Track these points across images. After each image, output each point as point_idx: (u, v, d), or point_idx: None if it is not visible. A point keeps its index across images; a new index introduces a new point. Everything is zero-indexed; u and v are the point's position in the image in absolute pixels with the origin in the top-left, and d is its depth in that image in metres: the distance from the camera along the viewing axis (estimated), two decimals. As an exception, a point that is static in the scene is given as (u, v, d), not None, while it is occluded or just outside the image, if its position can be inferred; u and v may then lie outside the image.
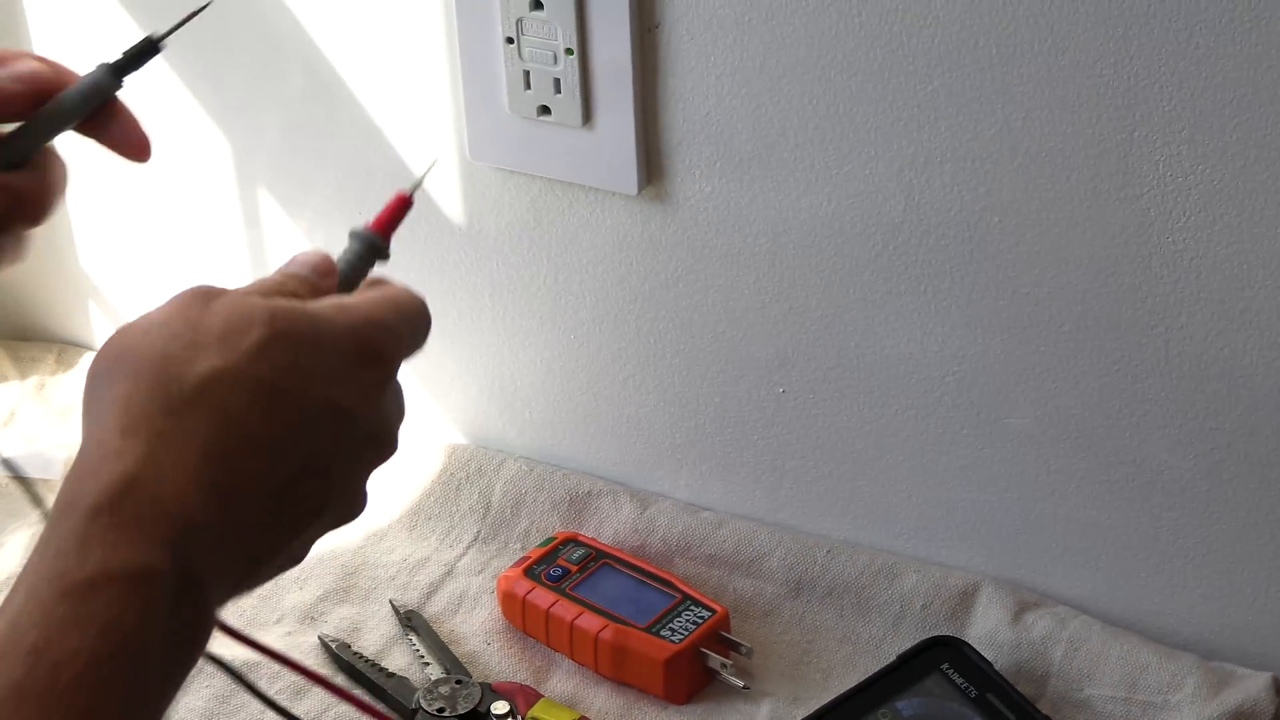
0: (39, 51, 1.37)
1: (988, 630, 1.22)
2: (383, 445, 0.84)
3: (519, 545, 1.33)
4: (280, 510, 0.79)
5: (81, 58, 0.98)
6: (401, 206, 0.87)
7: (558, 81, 1.17)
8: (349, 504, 0.83)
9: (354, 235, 0.86)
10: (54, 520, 0.73)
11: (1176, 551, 1.20)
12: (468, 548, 1.33)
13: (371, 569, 1.32)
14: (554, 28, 1.15)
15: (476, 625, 1.27)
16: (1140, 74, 1.04)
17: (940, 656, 1.19)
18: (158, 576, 0.72)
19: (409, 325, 0.84)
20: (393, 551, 1.32)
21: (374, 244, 0.87)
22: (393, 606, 1.29)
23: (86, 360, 1.50)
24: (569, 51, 1.15)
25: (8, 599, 0.71)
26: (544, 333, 1.31)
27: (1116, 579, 1.23)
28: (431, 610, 1.28)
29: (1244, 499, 1.16)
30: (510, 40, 1.17)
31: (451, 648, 1.24)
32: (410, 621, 1.27)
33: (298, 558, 0.83)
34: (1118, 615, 1.23)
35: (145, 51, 0.92)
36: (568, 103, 1.17)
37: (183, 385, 0.76)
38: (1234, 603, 1.20)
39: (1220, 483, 1.16)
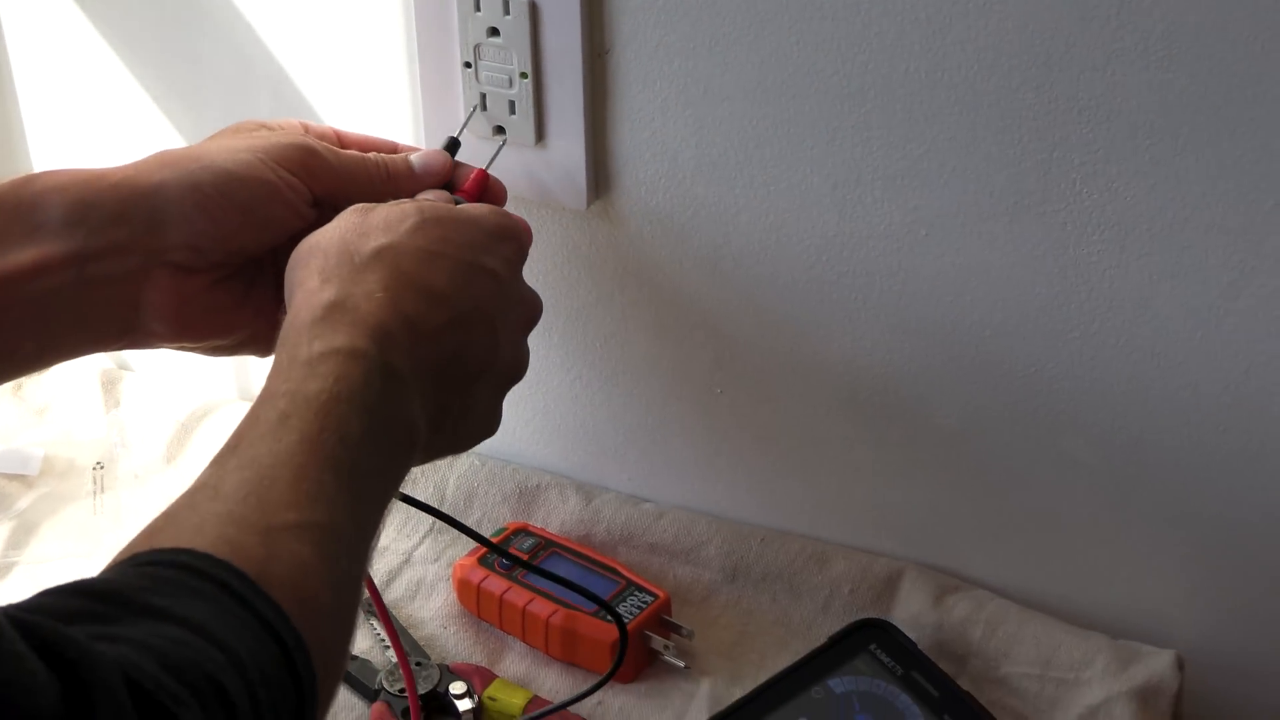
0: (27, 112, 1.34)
1: (912, 613, 1.20)
2: (532, 306, 0.98)
3: (473, 535, 1.29)
4: (457, 351, 0.90)
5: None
6: (480, 180, 1.05)
7: (513, 103, 1.13)
8: (515, 359, 0.96)
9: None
10: (283, 342, 0.85)
11: (1087, 539, 1.18)
12: (424, 537, 1.30)
13: (334, 557, 1.26)
14: (509, 53, 1.11)
15: (434, 610, 1.24)
16: (1059, 99, 1.02)
17: (868, 637, 1.17)
18: (366, 355, 0.83)
19: (523, 225, 0.99)
20: (354, 541, 1.27)
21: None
22: (355, 593, 1.24)
23: (61, 365, 1.44)
24: (524, 75, 1.12)
25: (260, 398, 0.81)
26: (497, 337, 1.27)
27: (1031, 564, 1.21)
28: (391, 596, 1.25)
29: (1149, 491, 1.14)
30: (468, 65, 1.13)
31: (411, 631, 1.21)
32: (371, 607, 1.22)
33: (487, 418, 0.96)
34: (1032, 598, 1.22)
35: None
36: (522, 123, 1.13)
37: (361, 253, 0.89)
38: (1140, 586, 1.19)
39: (1128, 476, 1.14)
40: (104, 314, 0.95)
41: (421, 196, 0.99)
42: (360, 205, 0.94)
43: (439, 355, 0.88)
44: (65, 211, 0.92)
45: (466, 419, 0.93)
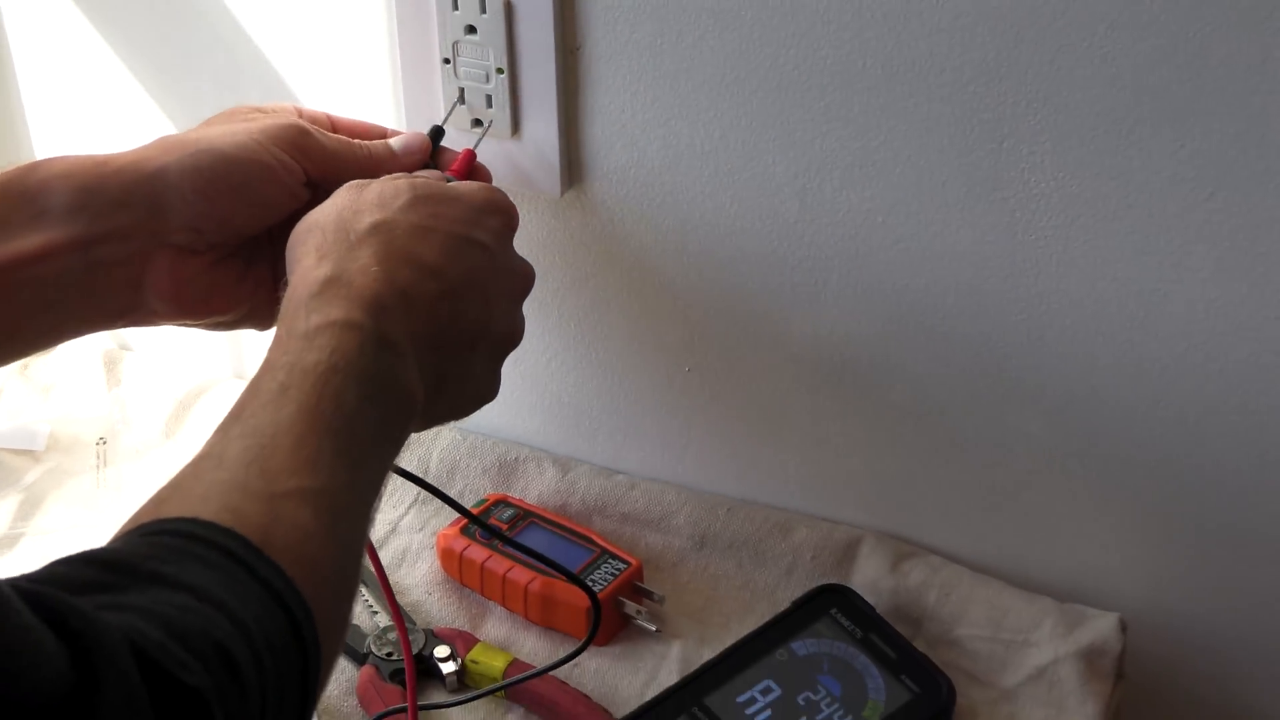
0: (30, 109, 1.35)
1: (870, 578, 1.21)
2: (524, 276, 1.00)
3: (455, 506, 1.30)
4: (452, 319, 0.91)
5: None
6: (469, 159, 1.07)
7: (489, 97, 1.14)
8: (509, 326, 0.97)
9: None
10: (282, 317, 0.85)
11: (1036, 507, 1.19)
12: (409, 508, 1.31)
13: (324, 527, 1.27)
14: (486, 50, 1.12)
15: (419, 578, 1.25)
16: (1009, 92, 1.03)
17: (829, 602, 1.18)
18: (361, 327, 0.84)
19: (511, 203, 0.99)
20: (342, 512, 1.28)
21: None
22: (344, 561, 1.25)
23: (67, 344, 1.45)
24: (500, 71, 1.13)
25: (261, 370, 0.82)
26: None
27: (983, 532, 1.22)
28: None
29: (1094, 462, 1.16)
30: (447, 61, 1.14)
31: (397, 598, 1.21)
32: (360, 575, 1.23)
33: (485, 384, 0.97)
34: (984, 564, 1.23)
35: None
36: (499, 116, 1.14)
37: (356, 230, 0.90)
38: (1086, 552, 1.20)
39: (1074, 449, 1.15)
40: (108, 295, 0.95)
41: (415, 175, 0.99)
42: (355, 182, 0.95)
43: (434, 324, 0.89)
44: (69, 198, 0.92)
45: (465, 385, 0.94)
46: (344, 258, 0.88)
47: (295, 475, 0.75)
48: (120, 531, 0.71)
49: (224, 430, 0.78)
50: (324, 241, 0.90)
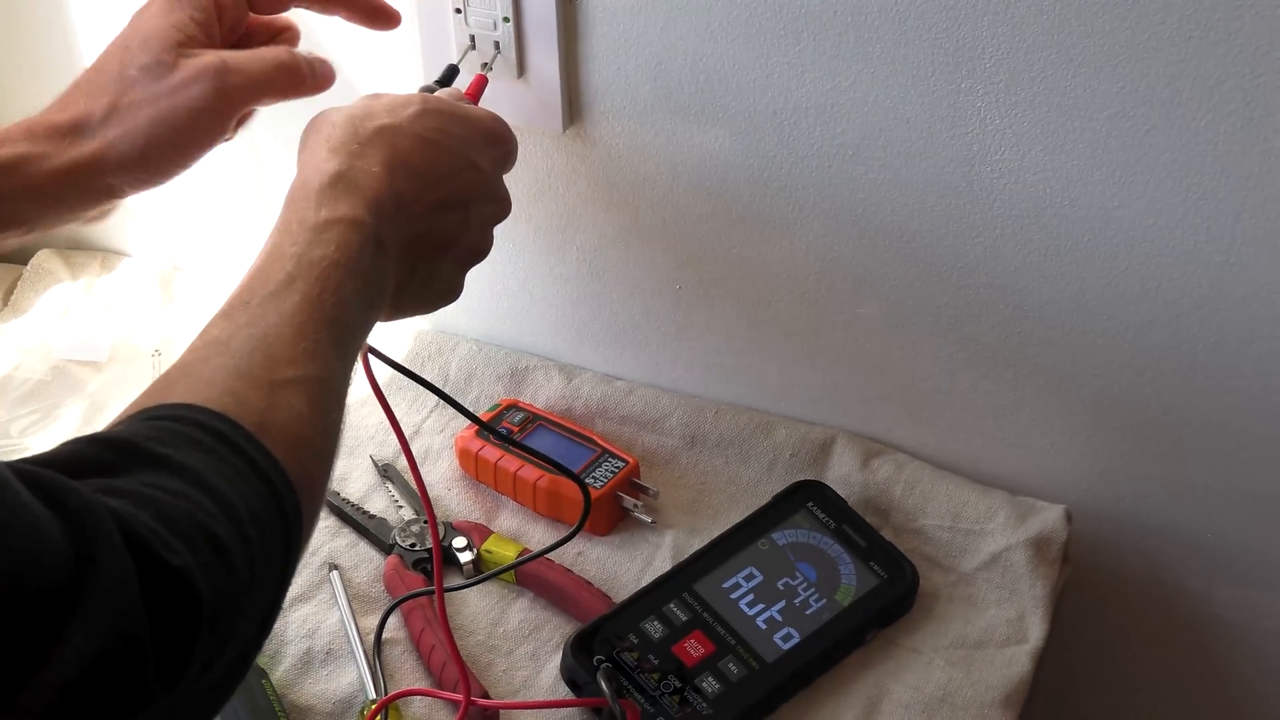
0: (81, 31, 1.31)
1: (842, 474, 1.20)
2: (504, 204, 0.95)
3: (472, 410, 1.26)
4: (433, 224, 0.88)
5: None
6: (481, 83, 1.06)
7: (497, 43, 1.11)
8: (480, 242, 0.93)
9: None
10: (291, 203, 0.83)
11: (990, 410, 1.18)
12: (430, 412, 1.29)
13: (354, 430, 1.26)
14: (494, 1, 1.09)
15: (439, 475, 1.24)
16: (967, 37, 1.00)
17: (806, 496, 1.17)
18: (364, 225, 0.82)
19: (513, 137, 0.95)
20: (371, 416, 1.26)
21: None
22: (372, 461, 1.24)
23: (126, 264, 1.45)
24: (506, 19, 1.10)
25: (269, 254, 0.80)
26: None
27: (944, 431, 1.21)
28: (403, 463, 1.22)
29: (1043, 369, 1.14)
30: (459, 10, 1.11)
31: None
32: (387, 473, 1.23)
33: (448, 286, 0.93)
34: (945, 460, 1.22)
35: None
36: (505, 60, 1.12)
37: (367, 129, 0.87)
38: (1035, 449, 1.19)
39: (1025, 357, 1.14)
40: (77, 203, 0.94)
41: (438, 96, 0.95)
42: (371, 94, 0.93)
43: (415, 229, 0.87)
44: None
45: (430, 284, 0.91)
46: (353, 155, 0.86)
47: (294, 364, 0.75)
48: (131, 410, 0.71)
49: (230, 316, 0.77)
50: (333, 136, 0.87)
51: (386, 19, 1.02)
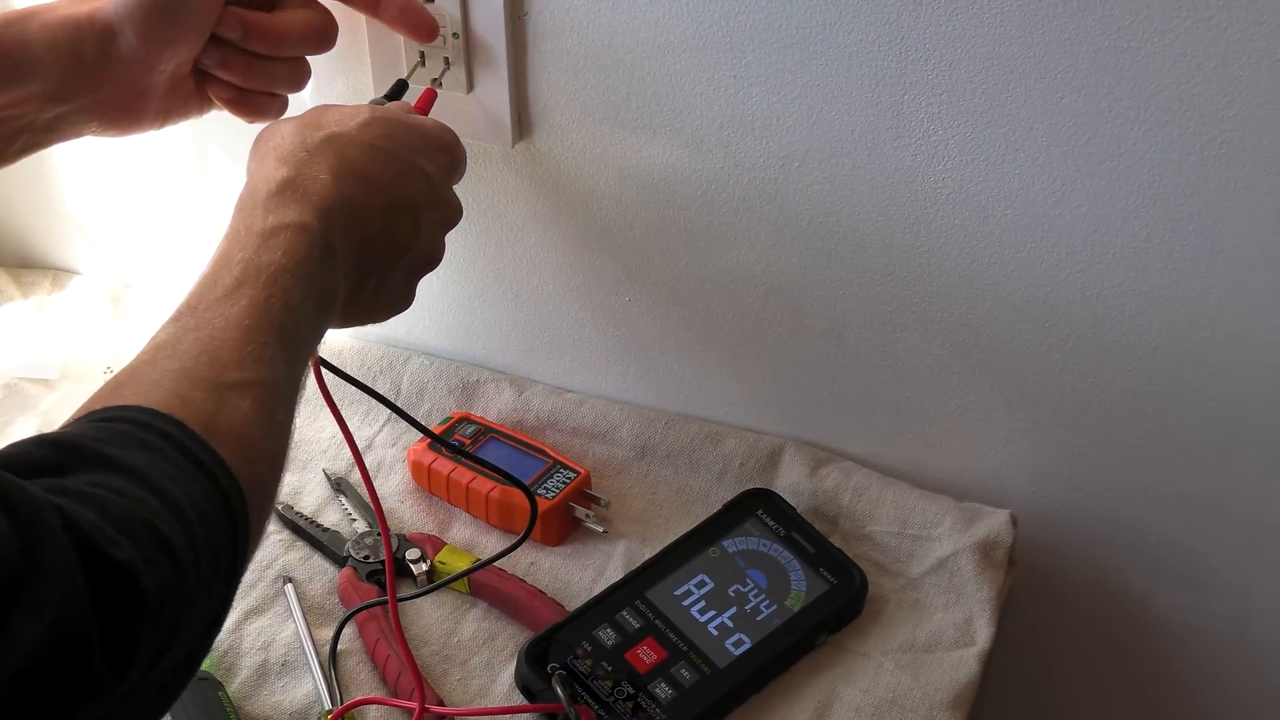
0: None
1: (791, 482, 1.21)
2: (454, 210, 0.96)
3: (424, 423, 1.26)
4: (383, 231, 0.89)
5: None
6: (430, 97, 1.05)
7: (447, 59, 1.11)
8: (431, 250, 0.94)
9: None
10: (239, 210, 0.84)
11: (935, 417, 1.19)
12: (383, 426, 1.28)
13: (308, 444, 1.26)
14: (444, 17, 1.09)
15: (392, 488, 1.23)
16: (910, 49, 1.01)
17: (756, 504, 1.17)
18: (311, 230, 0.82)
19: (461, 146, 0.96)
20: (324, 430, 1.27)
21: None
22: (325, 474, 1.24)
23: (77, 282, 1.44)
24: (455, 35, 1.09)
25: (218, 261, 0.81)
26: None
27: (890, 439, 1.22)
28: (356, 477, 1.23)
29: (986, 378, 1.15)
30: None
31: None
32: (340, 486, 1.22)
33: (400, 295, 0.93)
34: (892, 467, 1.22)
35: None
36: (455, 76, 1.11)
37: (315, 138, 0.88)
38: (980, 456, 1.20)
39: (968, 366, 1.14)
40: (69, 131, 0.97)
41: (386, 107, 0.97)
42: (320, 105, 0.94)
43: (366, 235, 0.87)
44: (50, 63, 0.92)
45: (381, 293, 0.91)
46: (301, 163, 0.86)
47: (240, 367, 0.75)
48: (79, 413, 0.71)
49: (179, 320, 0.77)
50: (283, 145, 0.88)
51: (429, 32, 1.07)
